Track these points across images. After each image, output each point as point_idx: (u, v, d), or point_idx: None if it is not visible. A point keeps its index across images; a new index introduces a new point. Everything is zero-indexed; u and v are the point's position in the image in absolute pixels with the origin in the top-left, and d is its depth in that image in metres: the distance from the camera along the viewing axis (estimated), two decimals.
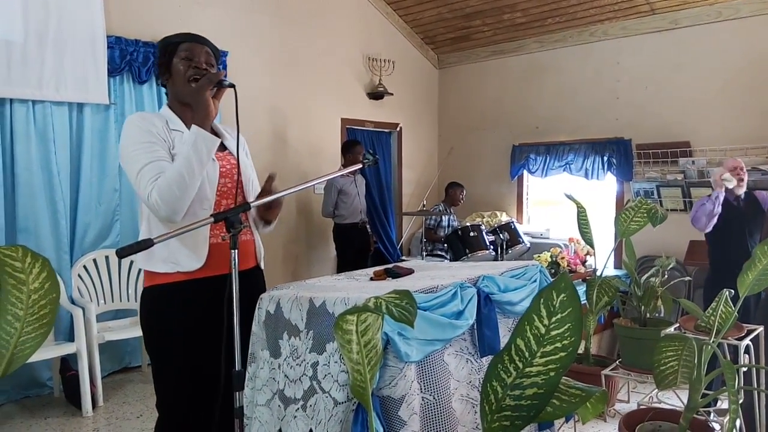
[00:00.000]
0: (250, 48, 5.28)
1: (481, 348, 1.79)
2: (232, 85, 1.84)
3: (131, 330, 4.17)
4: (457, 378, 1.72)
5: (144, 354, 4.55)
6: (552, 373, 1.07)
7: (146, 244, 1.44)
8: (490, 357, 1.87)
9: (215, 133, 1.98)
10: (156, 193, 1.74)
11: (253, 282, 2.04)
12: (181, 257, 1.84)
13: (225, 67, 5.02)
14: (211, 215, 1.62)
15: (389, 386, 1.55)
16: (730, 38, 4.99)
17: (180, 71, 1.89)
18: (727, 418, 2.27)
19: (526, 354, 1.10)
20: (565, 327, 1.09)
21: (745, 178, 3.61)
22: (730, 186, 3.52)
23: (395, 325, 1.51)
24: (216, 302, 1.70)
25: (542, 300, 1.11)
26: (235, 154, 1.96)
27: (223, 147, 2.00)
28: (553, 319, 1.10)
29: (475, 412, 1.78)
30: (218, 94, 1.88)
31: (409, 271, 2.09)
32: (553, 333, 1.09)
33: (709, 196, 3.61)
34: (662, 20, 5.37)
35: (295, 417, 1.68)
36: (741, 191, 3.61)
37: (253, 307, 1.96)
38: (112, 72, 4.35)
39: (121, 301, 4.42)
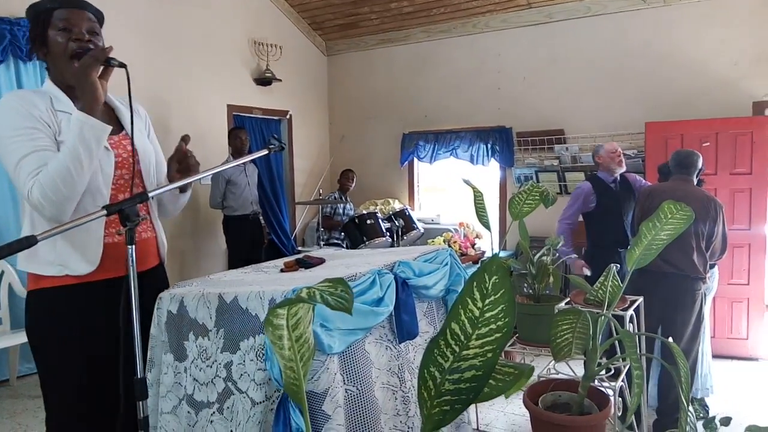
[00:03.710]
0: (122, 27, 4.85)
1: (400, 334, 1.78)
2: (123, 65, 1.60)
3: None
4: (378, 366, 1.70)
5: (12, 367, 4.07)
6: (489, 354, 1.07)
7: (29, 242, 1.25)
8: (408, 342, 1.87)
9: (110, 111, 1.76)
10: (37, 189, 1.50)
11: (157, 282, 1.86)
12: (71, 260, 1.62)
13: None
14: (103, 207, 1.43)
15: (312, 381, 1.48)
16: (598, 32, 5.41)
17: (59, 46, 1.61)
18: (618, 382, 2.46)
19: (462, 337, 1.09)
20: (499, 308, 1.09)
21: (623, 161, 3.92)
22: (588, 273, 3.81)
23: (317, 317, 1.44)
24: (114, 307, 1.52)
25: (475, 283, 1.10)
26: (131, 134, 1.73)
27: (120, 128, 1.76)
28: (487, 301, 1.09)
29: (395, 399, 1.76)
30: (106, 74, 1.63)
31: (321, 261, 2.02)
32: (488, 315, 1.09)
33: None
34: (538, 14, 5.69)
35: (211, 421, 1.56)
36: (618, 173, 3.92)
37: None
38: None
39: None
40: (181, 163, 1.73)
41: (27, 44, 4.02)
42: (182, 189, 1.86)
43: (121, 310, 1.46)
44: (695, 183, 3.36)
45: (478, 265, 4.17)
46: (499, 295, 1.11)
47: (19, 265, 1.68)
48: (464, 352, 1.09)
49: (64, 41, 1.62)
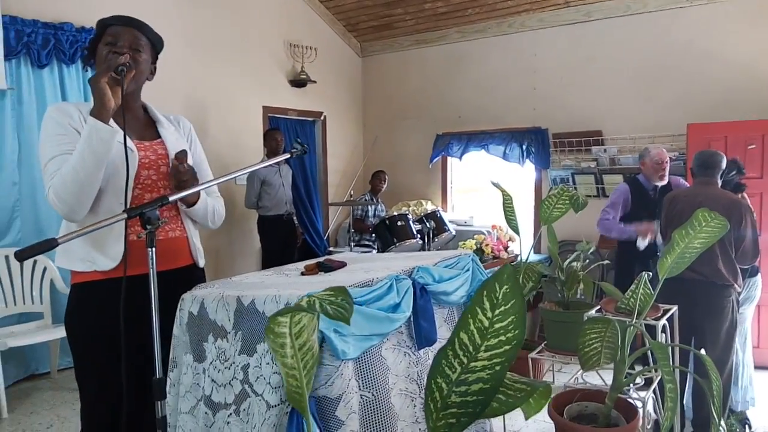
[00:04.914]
0: (159, 30, 4.95)
1: (418, 340, 1.76)
2: (122, 72, 1.65)
3: (37, 334, 3.89)
4: (396, 372, 1.68)
5: (53, 360, 4.23)
6: (497, 368, 1.04)
7: (49, 244, 1.30)
8: (427, 349, 1.85)
9: (152, 120, 1.91)
10: (52, 191, 1.64)
11: (186, 281, 1.90)
12: (97, 256, 1.74)
13: None
14: (124, 210, 1.48)
15: (325, 386, 1.48)
16: (638, 31, 5.25)
17: (101, 57, 1.75)
18: (647, 394, 2.38)
19: (470, 348, 1.07)
20: (509, 319, 1.06)
21: (667, 172, 3.79)
22: (642, 247, 3.67)
23: (331, 322, 1.44)
24: (138, 302, 1.57)
25: (485, 292, 1.07)
26: (167, 143, 1.88)
27: (156, 135, 1.90)
28: (497, 312, 1.07)
29: (414, 406, 1.75)
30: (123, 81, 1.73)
31: (342, 264, 2.02)
32: (497, 326, 1.06)
33: (623, 223, 3.83)
34: (576, 13, 5.56)
35: (228, 423, 1.58)
36: (662, 183, 3.80)
37: None
38: (7, 55, 3.96)
39: (24, 303, 4.08)
40: (176, 178, 1.78)
41: (70, 48, 4.24)
42: (188, 204, 1.88)
43: (121, 308, 1.49)
44: (720, 184, 3.22)
45: None
46: (509, 305, 1.08)
47: (56, 262, 1.81)
48: (472, 364, 1.07)
49: (106, 52, 1.74)
